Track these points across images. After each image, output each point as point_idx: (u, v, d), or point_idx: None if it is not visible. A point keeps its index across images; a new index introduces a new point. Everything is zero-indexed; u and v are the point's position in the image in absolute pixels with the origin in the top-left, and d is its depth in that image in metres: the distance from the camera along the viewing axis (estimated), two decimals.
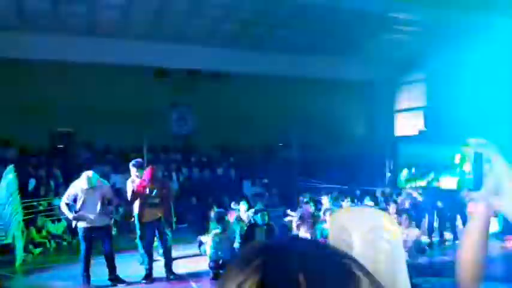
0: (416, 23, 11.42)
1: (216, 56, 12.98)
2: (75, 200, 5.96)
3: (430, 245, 8.09)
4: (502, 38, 10.00)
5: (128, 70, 12.59)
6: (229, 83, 14.06)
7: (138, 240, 6.85)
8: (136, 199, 6.23)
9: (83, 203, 5.90)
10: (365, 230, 1.14)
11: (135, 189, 6.24)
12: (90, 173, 6.08)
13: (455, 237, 8.43)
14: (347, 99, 15.42)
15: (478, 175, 1.34)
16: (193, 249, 7.80)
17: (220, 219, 6.65)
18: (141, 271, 6.26)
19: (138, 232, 6.36)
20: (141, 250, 6.57)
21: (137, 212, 6.25)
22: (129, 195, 6.47)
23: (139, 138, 10.99)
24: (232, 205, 8.45)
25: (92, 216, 5.90)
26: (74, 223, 6.05)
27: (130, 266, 6.69)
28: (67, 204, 6.02)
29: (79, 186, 5.98)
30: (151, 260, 6.25)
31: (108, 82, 12.69)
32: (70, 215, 6.01)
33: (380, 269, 1.12)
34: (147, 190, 6.21)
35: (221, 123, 13.56)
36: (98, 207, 5.96)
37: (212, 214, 8.02)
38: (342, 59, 14.12)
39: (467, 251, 1.33)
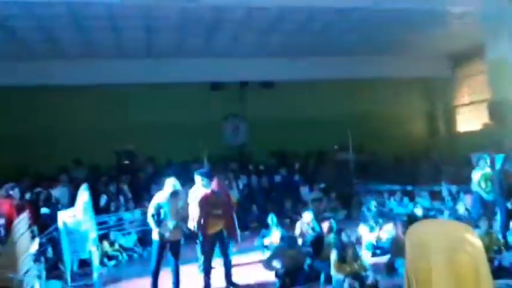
0: (471, 15, 10.95)
1: (264, 66, 13.21)
2: (158, 213, 6.07)
3: (505, 245, 7.67)
4: None
5: (182, 86, 13.10)
6: (280, 91, 14.18)
7: (199, 252, 7.07)
8: (201, 209, 6.28)
9: (163, 214, 6.05)
10: (444, 244, 1.09)
11: (200, 199, 6.34)
12: (173, 179, 6.27)
13: None
14: (405, 98, 15.02)
15: None
16: (256, 257, 7.87)
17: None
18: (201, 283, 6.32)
19: (200, 244, 6.48)
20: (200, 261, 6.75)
21: (201, 224, 6.29)
22: (192, 204, 6.60)
23: (199, 151, 11.36)
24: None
25: (171, 229, 6.04)
26: (157, 235, 6.13)
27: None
28: (153, 216, 6.10)
29: (163, 195, 6.17)
30: (209, 273, 6.29)
31: (166, 99, 13.29)
32: (156, 230, 6.08)
33: (464, 281, 1.08)
34: (212, 201, 6.26)
35: (274, 130, 13.71)
36: (177, 219, 6.11)
37: (271, 221, 8.09)
38: (396, 58, 13.82)
39: None
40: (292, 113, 13.94)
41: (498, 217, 8.43)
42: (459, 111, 15.82)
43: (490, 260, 5.91)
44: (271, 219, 8.16)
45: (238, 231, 6.63)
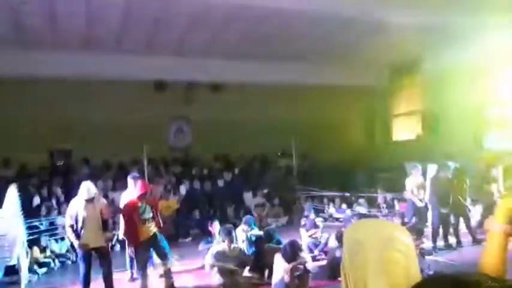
0: (411, 27, 11.53)
1: (213, 67, 13.03)
2: (76, 220, 5.83)
3: (434, 249, 8.14)
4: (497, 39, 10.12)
5: (125, 84, 12.60)
6: (226, 94, 14.10)
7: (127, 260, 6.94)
8: (129, 215, 5.99)
9: (83, 221, 5.80)
10: (380, 244, 1.17)
11: (125, 208, 6.11)
12: (88, 182, 6.03)
13: (459, 241, 8.50)
14: (344, 105, 15.49)
15: None
16: (196, 264, 7.73)
17: (227, 234, 6.61)
18: None
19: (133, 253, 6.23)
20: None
21: (131, 233, 6.01)
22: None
23: (139, 152, 11.00)
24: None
25: (92, 236, 5.82)
26: (76, 245, 5.95)
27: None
28: (71, 226, 5.86)
29: (78, 202, 5.90)
30: (146, 279, 6.08)
31: (105, 96, 12.69)
32: (76, 242, 5.89)
33: (397, 281, 1.15)
34: (140, 205, 5.97)
35: (220, 134, 13.60)
36: (97, 225, 5.90)
37: (215, 227, 8.00)
38: (337, 66, 14.21)
39: (488, 267, 1.35)
40: (238, 117, 13.89)
41: (430, 223, 8.94)
42: (395, 120, 16.59)
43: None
44: (215, 227, 8.02)
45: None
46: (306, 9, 9.74)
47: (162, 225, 6.33)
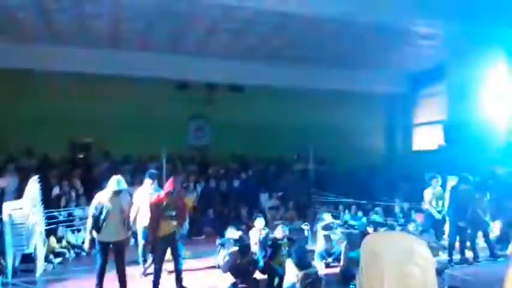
0: (436, 36, 11.36)
1: (233, 69, 13.12)
2: (101, 212, 5.88)
3: (450, 262, 7.96)
4: None
5: (147, 82, 12.77)
6: (246, 96, 14.16)
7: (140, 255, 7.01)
8: (154, 211, 6.09)
9: (105, 213, 5.86)
10: (398, 257, 1.13)
11: (152, 201, 6.19)
12: (119, 176, 6.08)
13: (476, 256, 8.28)
14: (365, 112, 15.35)
15: None
16: (210, 262, 7.78)
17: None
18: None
19: (150, 247, 6.33)
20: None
21: (152, 226, 6.09)
22: (136, 206, 6.58)
23: (158, 149, 11.11)
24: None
25: (113, 230, 5.90)
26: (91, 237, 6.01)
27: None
28: (93, 217, 5.90)
29: (106, 194, 5.96)
30: (159, 275, 6.13)
31: (129, 93, 12.90)
32: (89, 236, 5.98)
33: None
34: (166, 202, 6.06)
35: (238, 135, 13.66)
36: (120, 219, 5.98)
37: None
38: (360, 72, 14.11)
39: None
40: (257, 119, 13.92)
41: (447, 235, 8.76)
42: (416, 129, 16.34)
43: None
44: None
45: (187, 223, 6.45)
46: (328, 13, 9.71)
47: (186, 227, 6.38)
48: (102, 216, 5.87)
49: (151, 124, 12.82)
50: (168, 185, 6.19)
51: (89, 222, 6.01)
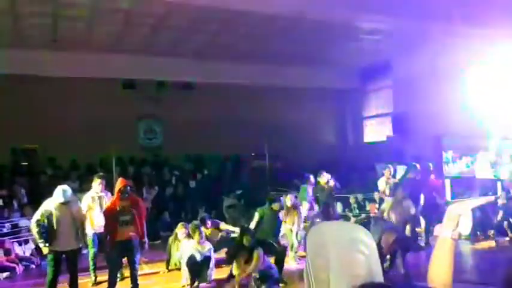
0: (381, 32, 11.69)
1: (183, 66, 12.88)
2: (48, 219, 5.60)
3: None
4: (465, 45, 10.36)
5: (93, 83, 12.26)
6: (198, 94, 13.95)
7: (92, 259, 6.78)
8: (108, 217, 5.88)
9: (55, 222, 5.59)
10: (342, 244, 1.17)
11: (106, 207, 6.00)
12: (64, 186, 5.83)
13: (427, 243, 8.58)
14: (317, 108, 15.59)
15: None
16: (165, 266, 7.56)
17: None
18: None
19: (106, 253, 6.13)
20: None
21: (108, 232, 5.90)
22: (85, 211, 6.37)
23: (108, 152, 10.72)
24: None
25: (65, 240, 5.61)
26: (42, 246, 5.71)
27: None
28: (38, 225, 5.60)
29: (52, 202, 5.68)
30: (115, 282, 5.93)
31: (73, 94, 12.32)
32: (40, 240, 5.66)
33: (358, 279, 1.15)
34: (118, 207, 5.83)
35: (192, 134, 13.41)
36: (71, 228, 5.70)
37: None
38: (311, 69, 14.29)
39: (437, 274, 1.38)
40: (210, 117, 13.74)
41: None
42: (366, 122, 16.81)
43: None
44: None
45: (146, 238, 6.20)
46: (278, 12, 9.74)
47: (144, 232, 6.10)
48: (52, 225, 5.58)
49: (100, 126, 12.29)
50: (119, 184, 5.96)
51: (34, 228, 5.67)
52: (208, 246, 6.79)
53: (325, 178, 9.11)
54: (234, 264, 6.29)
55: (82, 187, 10.84)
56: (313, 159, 14.56)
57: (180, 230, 7.18)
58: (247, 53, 12.85)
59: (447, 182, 11.02)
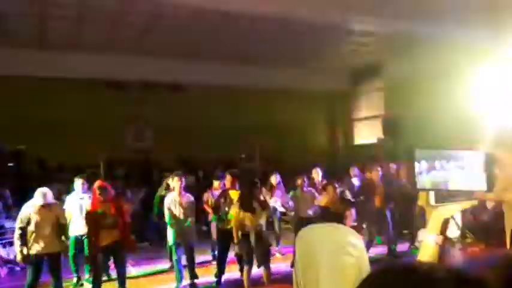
0: (373, 34, 11.68)
1: (172, 68, 12.76)
2: (28, 223, 5.51)
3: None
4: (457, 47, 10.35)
5: (81, 83, 12.11)
6: (188, 96, 13.85)
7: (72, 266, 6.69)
8: (90, 220, 5.75)
9: (35, 225, 5.49)
10: (332, 247, 1.14)
11: (88, 210, 5.88)
12: (44, 189, 5.71)
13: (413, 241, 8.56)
14: (308, 110, 15.56)
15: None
16: (154, 269, 7.51)
17: None
18: None
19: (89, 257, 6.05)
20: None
21: (91, 235, 5.80)
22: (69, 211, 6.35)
23: (96, 153, 10.58)
24: None
25: (46, 242, 5.51)
26: (18, 251, 5.59)
27: None
28: (21, 229, 5.51)
29: (32, 205, 5.58)
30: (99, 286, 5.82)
31: (60, 95, 12.15)
32: (19, 249, 5.52)
33: (349, 284, 1.12)
34: (100, 210, 5.70)
35: (181, 136, 13.30)
36: (53, 231, 5.60)
37: None
38: (302, 70, 14.26)
39: None
40: (200, 119, 13.64)
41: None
42: (357, 124, 16.81)
43: None
44: None
45: (134, 241, 6.14)
46: (269, 12, 9.66)
47: (127, 233, 5.97)
48: (30, 228, 5.50)
49: (88, 128, 12.15)
50: (96, 185, 5.82)
51: (17, 234, 5.59)
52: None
53: (318, 174, 9.12)
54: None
55: (69, 189, 10.72)
56: (302, 161, 14.53)
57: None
58: (236, 55, 12.78)
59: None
